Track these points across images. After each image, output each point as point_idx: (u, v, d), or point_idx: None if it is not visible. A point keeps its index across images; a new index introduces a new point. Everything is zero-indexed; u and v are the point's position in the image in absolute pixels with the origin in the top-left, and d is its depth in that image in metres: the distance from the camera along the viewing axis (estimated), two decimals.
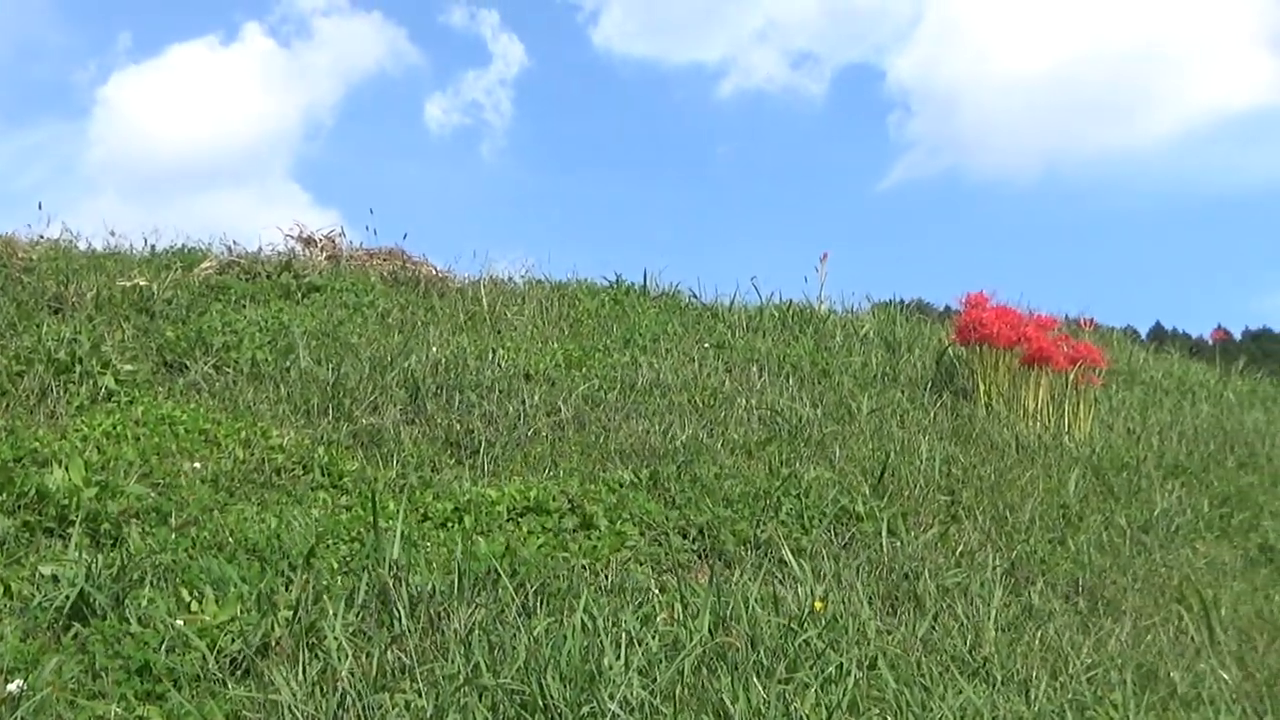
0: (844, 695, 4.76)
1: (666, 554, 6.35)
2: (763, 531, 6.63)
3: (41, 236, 11.69)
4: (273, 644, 4.70)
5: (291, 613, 4.87)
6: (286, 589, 5.18)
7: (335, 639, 4.67)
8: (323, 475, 6.86)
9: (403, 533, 5.80)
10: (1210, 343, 19.99)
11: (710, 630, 5.17)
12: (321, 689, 4.47)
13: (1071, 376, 10.72)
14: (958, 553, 6.85)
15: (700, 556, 6.46)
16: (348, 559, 5.67)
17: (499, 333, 10.30)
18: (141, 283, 9.89)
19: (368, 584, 5.23)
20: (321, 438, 7.41)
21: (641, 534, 6.51)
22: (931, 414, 9.81)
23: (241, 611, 4.92)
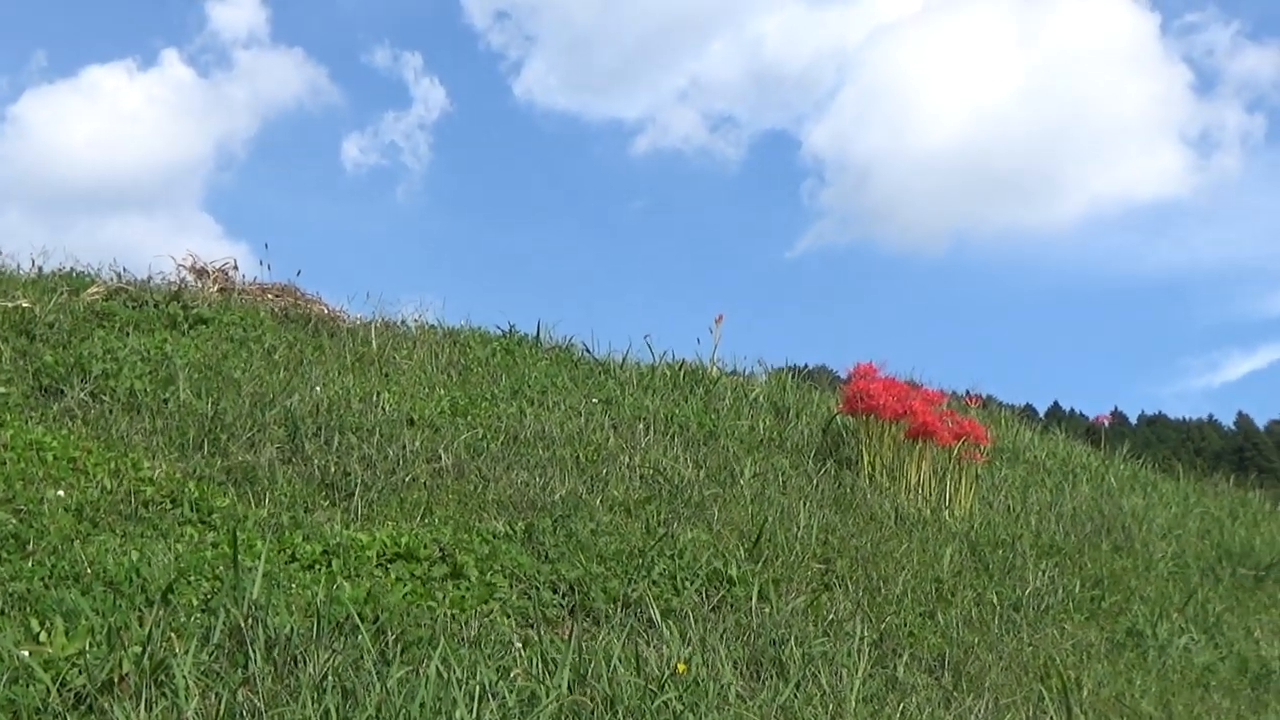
0: None
1: (535, 608, 6.31)
2: (634, 590, 6.61)
3: None
4: (118, 680, 4.60)
5: (141, 648, 4.76)
6: (140, 624, 5.08)
7: (183, 678, 4.58)
8: (192, 510, 6.73)
9: (266, 572, 5.71)
10: (1105, 425, 20.29)
11: (569, 687, 5.14)
12: None
13: (955, 452, 10.82)
14: (827, 621, 6.86)
15: (569, 612, 6.42)
16: (208, 597, 5.57)
17: (386, 376, 10.21)
18: (24, 304, 9.72)
19: (224, 623, 5.14)
20: (194, 472, 7.29)
21: (511, 586, 6.47)
22: (814, 481, 9.85)
23: (91, 645, 4.82)
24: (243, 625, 5.09)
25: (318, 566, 6.26)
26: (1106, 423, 20.55)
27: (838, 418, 11.52)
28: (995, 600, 8.06)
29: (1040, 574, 8.90)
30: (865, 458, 10.70)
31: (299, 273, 12.73)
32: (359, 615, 5.48)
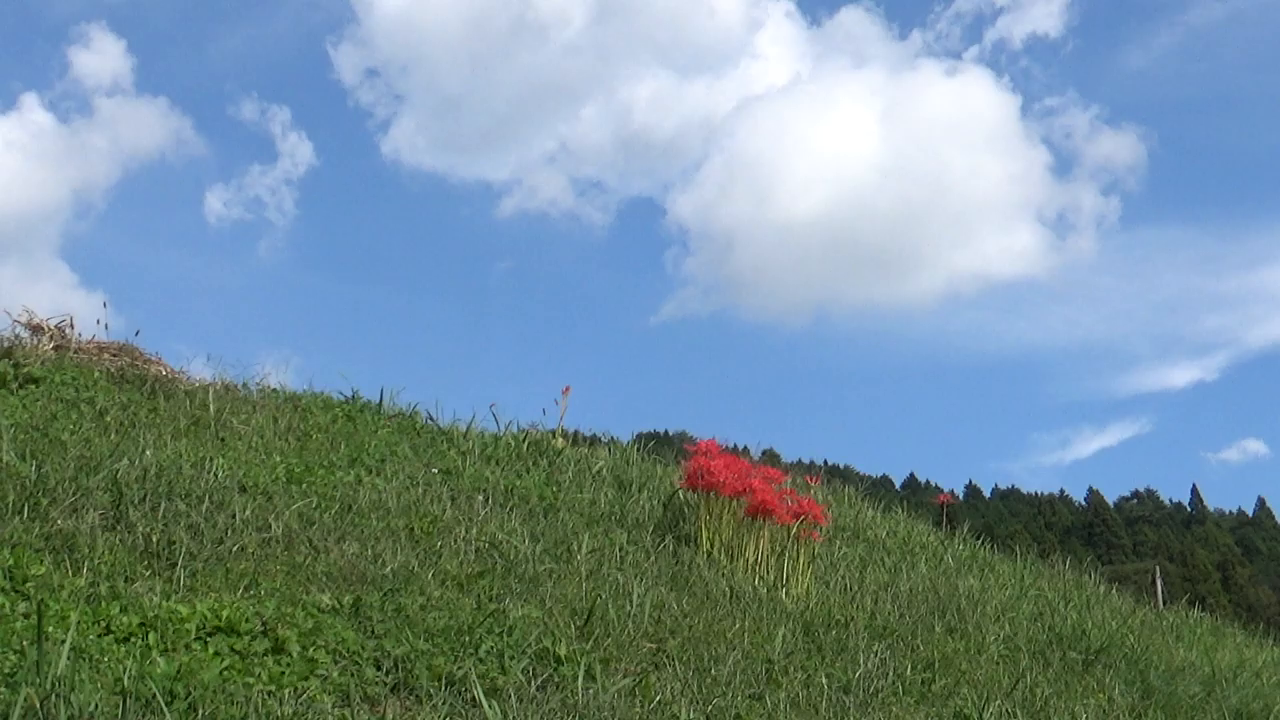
0: None
1: (356, 685, 6.18)
2: (460, 668, 6.52)
3: None
4: None
5: None
6: None
7: None
8: (5, 579, 6.51)
9: (76, 645, 5.54)
10: (948, 504, 20.60)
11: None
12: None
13: (794, 530, 10.88)
14: (654, 702, 6.82)
15: (392, 690, 6.31)
16: (12, 671, 5.39)
17: (222, 441, 10.04)
18: None
19: (24, 701, 4.97)
20: (10, 538, 7.06)
21: (334, 662, 6.34)
22: (652, 558, 9.84)
23: None
24: (42, 704, 4.93)
25: (133, 639, 6.08)
26: (950, 501, 20.88)
27: (679, 493, 11.54)
28: (825, 682, 8.07)
29: (872, 656, 8.94)
30: (704, 534, 10.72)
31: (138, 332, 12.49)
32: (171, 692, 5.34)
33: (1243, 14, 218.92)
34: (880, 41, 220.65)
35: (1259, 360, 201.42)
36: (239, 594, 6.96)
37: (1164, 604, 19.24)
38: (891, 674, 8.76)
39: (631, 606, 8.22)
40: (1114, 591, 16.75)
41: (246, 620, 6.44)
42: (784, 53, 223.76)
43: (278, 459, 9.73)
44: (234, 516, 8.04)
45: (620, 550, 9.77)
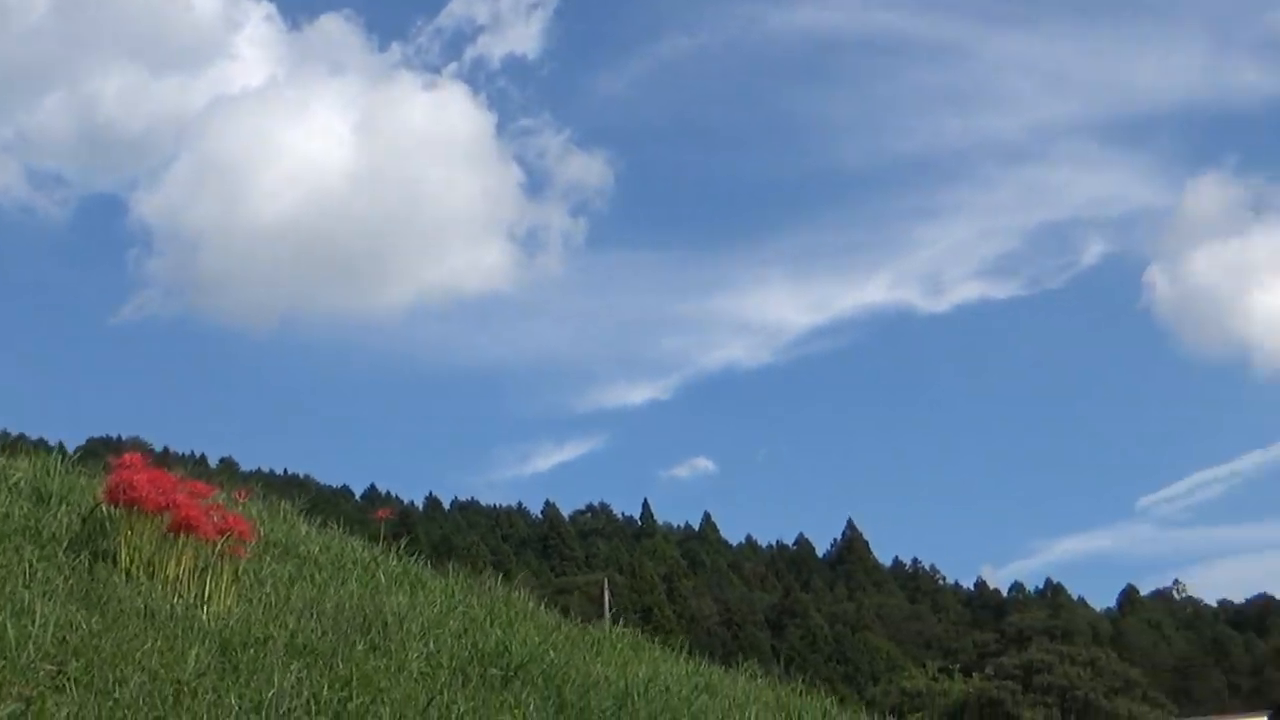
0: None
1: None
2: None
3: None
4: None
5: None
6: None
7: None
8: None
9: None
10: (385, 519, 20.73)
11: None
12: None
13: (219, 547, 10.73)
14: None
15: None
16: None
17: None
18: None
19: None
20: None
21: None
22: (65, 575, 9.47)
23: None
24: None
25: None
26: (389, 516, 21.10)
27: (101, 507, 11.18)
28: (235, 702, 8.00)
29: (289, 674, 8.91)
30: (124, 551, 10.42)
31: None
32: None
33: (708, 49, 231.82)
34: (360, 51, 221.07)
35: (711, 381, 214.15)
36: None
37: (611, 614, 20.04)
38: (307, 693, 8.76)
39: (34, 627, 7.90)
40: (541, 607, 17.26)
41: None
42: (261, 55, 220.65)
43: None
44: None
45: (30, 567, 9.37)
